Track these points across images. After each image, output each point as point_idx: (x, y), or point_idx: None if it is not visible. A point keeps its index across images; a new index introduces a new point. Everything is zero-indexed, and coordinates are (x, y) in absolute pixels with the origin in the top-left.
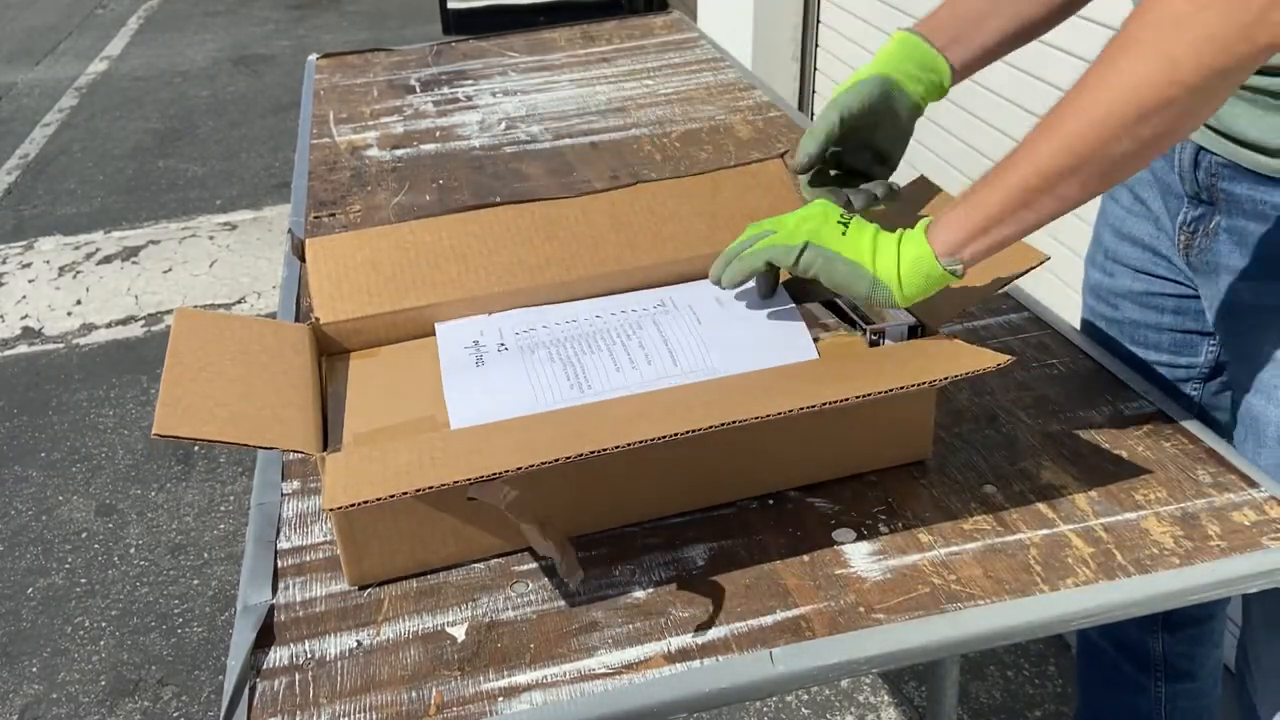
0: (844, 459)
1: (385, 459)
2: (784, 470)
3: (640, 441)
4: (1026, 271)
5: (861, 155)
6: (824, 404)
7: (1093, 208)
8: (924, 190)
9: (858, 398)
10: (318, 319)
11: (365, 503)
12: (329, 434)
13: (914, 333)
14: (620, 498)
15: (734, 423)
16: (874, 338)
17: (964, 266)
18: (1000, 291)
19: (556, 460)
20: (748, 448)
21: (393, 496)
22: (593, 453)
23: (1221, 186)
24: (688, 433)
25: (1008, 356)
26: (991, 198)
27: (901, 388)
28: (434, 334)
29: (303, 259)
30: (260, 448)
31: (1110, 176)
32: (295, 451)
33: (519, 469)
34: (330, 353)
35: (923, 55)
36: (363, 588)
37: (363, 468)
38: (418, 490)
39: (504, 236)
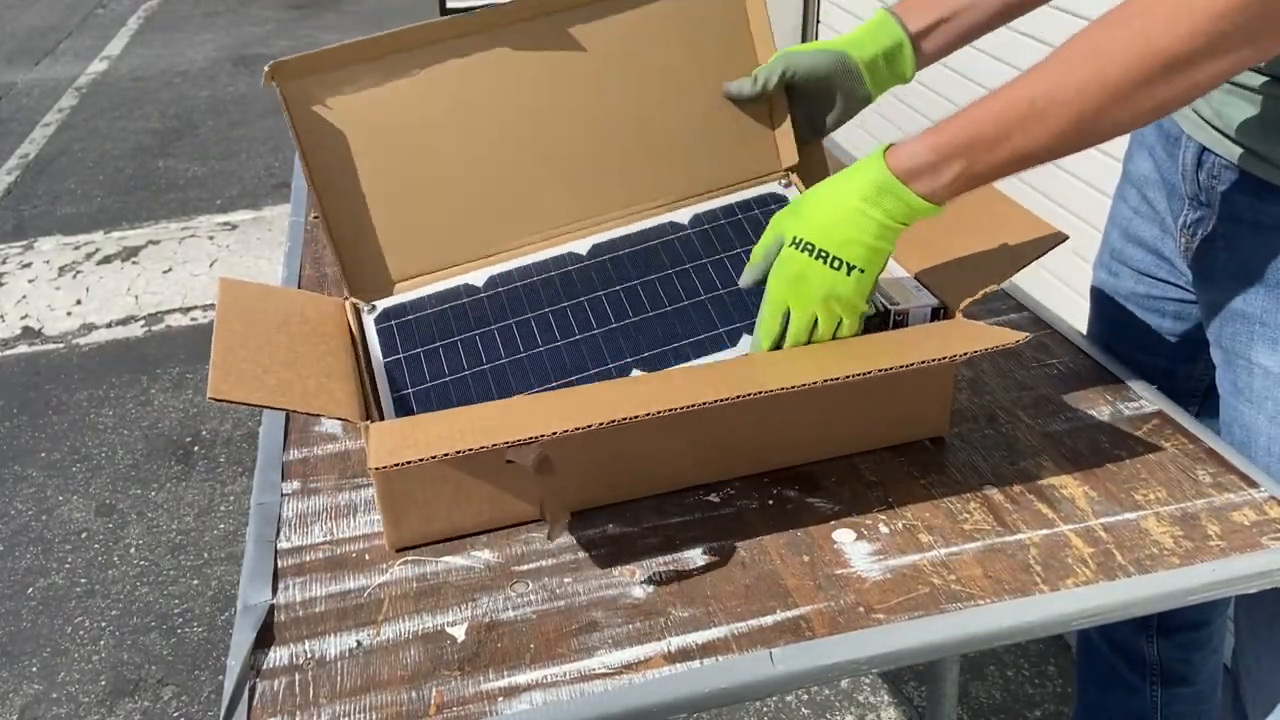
0: (865, 435)
1: (427, 426)
2: (807, 446)
3: (671, 409)
4: (1047, 251)
5: (794, 112)
6: (848, 377)
7: (1102, 211)
8: None
9: (881, 371)
10: (349, 298)
11: (409, 463)
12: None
13: (936, 315)
14: (646, 467)
15: (760, 393)
16: (898, 318)
17: (941, 197)
18: (999, 290)
19: (590, 426)
20: (772, 421)
21: (434, 457)
22: (627, 419)
23: (1221, 190)
24: (717, 401)
25: (1025, 334)
26: (982, 114)
27: (924, 362)
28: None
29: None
30: (309, 414)
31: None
32: (341, 419)
33: (554, 433)
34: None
35: (893, 44)
36: (363, 588)
37: (406, 433)
38: (458, 452)
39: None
